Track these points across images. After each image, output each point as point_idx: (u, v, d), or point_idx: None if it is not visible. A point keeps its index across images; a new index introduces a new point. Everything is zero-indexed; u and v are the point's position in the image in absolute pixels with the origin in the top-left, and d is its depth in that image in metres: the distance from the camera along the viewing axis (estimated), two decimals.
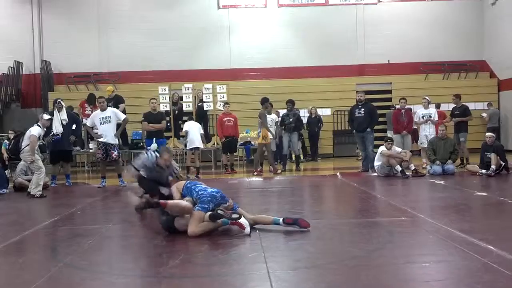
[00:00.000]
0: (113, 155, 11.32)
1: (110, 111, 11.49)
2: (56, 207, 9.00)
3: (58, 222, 7.22)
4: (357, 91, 14.18)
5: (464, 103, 14.18)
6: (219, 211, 5.69)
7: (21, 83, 19.73)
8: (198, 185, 6.22)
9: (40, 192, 9.75)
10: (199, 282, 4.39)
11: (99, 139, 11.32)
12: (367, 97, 13.49)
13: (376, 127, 13.58)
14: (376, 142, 13.21)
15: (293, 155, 14.78)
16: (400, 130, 13.41)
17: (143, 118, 12.59)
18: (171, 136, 15.43)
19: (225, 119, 13.80)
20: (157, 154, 7.57)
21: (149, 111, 12.46)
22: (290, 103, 14.34)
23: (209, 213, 5.75)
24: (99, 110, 11.67)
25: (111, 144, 11.30)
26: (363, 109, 12.86)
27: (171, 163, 7.79)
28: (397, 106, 14.48)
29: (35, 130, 10.18)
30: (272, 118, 14.38)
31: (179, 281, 4.43)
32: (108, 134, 11.26)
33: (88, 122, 11.83)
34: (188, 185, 6.23)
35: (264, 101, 13.65)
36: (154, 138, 12.17)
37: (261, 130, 13.37)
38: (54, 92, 19.18)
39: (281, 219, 5.93)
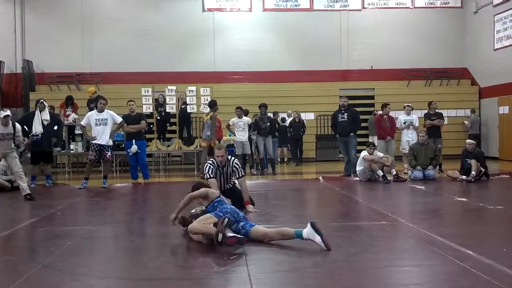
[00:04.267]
0: (107, 156, 11.31)
1: (107, 113, 11.37)
2: (35, 207, 8.86)
3: (37, 223, 7.13)
4: (340, 96, 14.23)
5: (438, 110, 14.26)
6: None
7: (2, 82, 19.46)
8: (224, 204, 5.91)
9: None
10: (180, 285, 4.37)
11: (93, 141, 11.24)
12: (350, 102, 13.57)
13: (358, 132, 13.68)
14: (358, 147, 13.28)
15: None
16: (384, 136, 13.49)
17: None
18: (153, 138, 15.34)
19: None
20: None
21: (128, 113, 12.36)
22: (264, 107, 14.56)
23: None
24: (95, 110, 11.56)
25: (105, 146, 11.23)
26: (346, 114, 12.94)
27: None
28: (379, 112, 14.55)
29: None
30: (244, 121, 14.35)
31: (159, 283, 4.40)
32: (102, 136, 11.19)
33: (82, 121, 11.67)
34: (216, 203, 5.88)
35: (214, 104, 13.57)
36: (134, 140, 12.08)
37: (211, 133, 13.35)
38: (35, 92, 18.97)
39: (304, 230, 5.23)
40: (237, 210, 5.83)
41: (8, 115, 9.63)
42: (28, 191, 9.47)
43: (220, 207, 5.76)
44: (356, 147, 13.04)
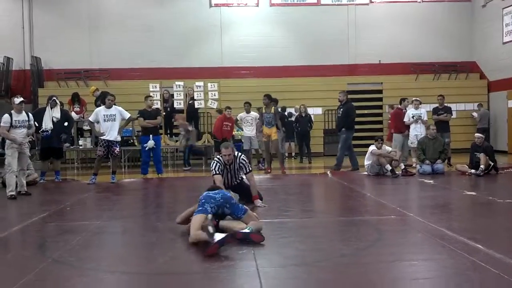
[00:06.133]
0: (115, 151, 11.39)
1: (115, 109, 11.42)
2: (44, 203, 8.94)
3: (47, 219, 7.17)
4: (340, 92, 14.03)
5: (447, 104, 14.19)
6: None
7: (11, 79, 19.57)
8: (211, 198, 5.67)
9: (12, 193, 9.07)
10: (189, 279, 4.38)
11: (101, 137, 11.31)
12: (358, 97, 13.55)
13: (372, 126, 13.58)
14: (366, 142, 13.22)
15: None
16: (403, 130, 13.45)
17: (139, 115, 12.48)
18: (161, 133, 15.35)
19: (224, 123, 13.77)
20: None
21: (145, 109, 12.40)
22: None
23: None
24: (103, 106, 11.63)
25: (114, 141, 11.30)
26: (341, 109, 12.98)
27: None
28: (395, 106, 14.40)
29: (2, 119, 9.49)
30: (252, 116, 14.27)
31: (168, 277, 4.42)
32: (111, 132, 11.26)
33: (91, 117, 11.73)
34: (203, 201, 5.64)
35: (272, 99, 13.12)
36: (151, 135, 12.13)
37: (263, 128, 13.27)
38: (44, 88, 19.09)
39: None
40: (225, 194, 5.71)
41: (22, 101, 9.63)
42: (25, 189, 9.42)
43: (206, 203, 5.56)
44: (347, 142, 12.91)
